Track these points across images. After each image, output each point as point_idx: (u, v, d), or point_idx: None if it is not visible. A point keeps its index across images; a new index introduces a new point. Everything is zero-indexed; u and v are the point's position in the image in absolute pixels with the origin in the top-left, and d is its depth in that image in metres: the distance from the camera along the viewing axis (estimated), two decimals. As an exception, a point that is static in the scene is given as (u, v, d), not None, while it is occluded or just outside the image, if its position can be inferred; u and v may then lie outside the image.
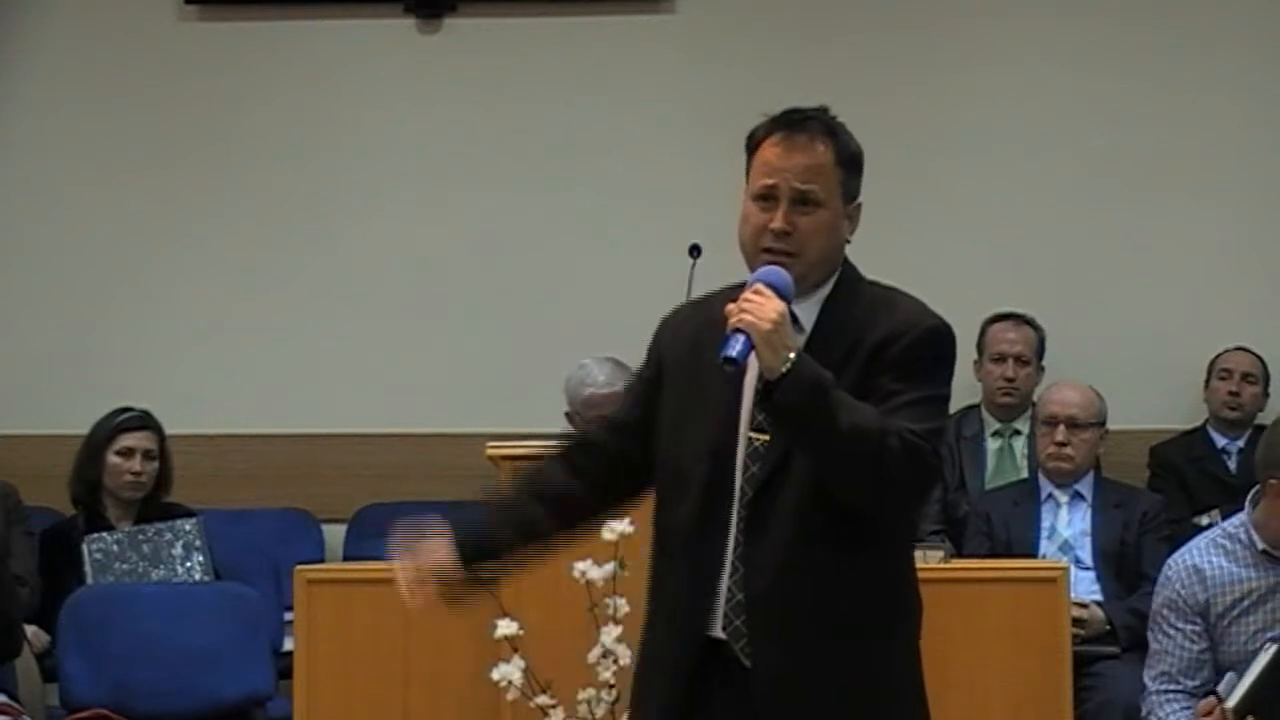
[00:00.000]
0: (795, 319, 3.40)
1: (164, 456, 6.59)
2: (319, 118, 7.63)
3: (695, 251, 6.02)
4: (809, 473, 3.29)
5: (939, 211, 7.42)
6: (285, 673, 5.50)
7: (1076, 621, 5.73)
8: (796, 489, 3.31)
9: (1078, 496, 6.49)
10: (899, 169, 7.44)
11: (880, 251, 7.71)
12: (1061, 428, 6.45)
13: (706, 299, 3.52)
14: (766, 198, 3.48)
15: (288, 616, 5.61)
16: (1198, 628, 5.08)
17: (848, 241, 3.55)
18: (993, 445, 7.07)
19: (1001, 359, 7.06)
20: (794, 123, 3.51)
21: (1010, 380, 7.04)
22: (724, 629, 3.34)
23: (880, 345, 3.36)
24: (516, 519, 3.52)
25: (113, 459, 6.50)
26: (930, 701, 4.78)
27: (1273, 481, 5.05)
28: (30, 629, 6.11)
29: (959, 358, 7.50)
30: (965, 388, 7.17)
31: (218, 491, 7.13)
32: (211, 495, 7.00)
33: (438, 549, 3.46)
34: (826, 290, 3.48)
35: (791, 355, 3.22)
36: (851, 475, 3.27)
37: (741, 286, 3.41)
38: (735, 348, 3.23)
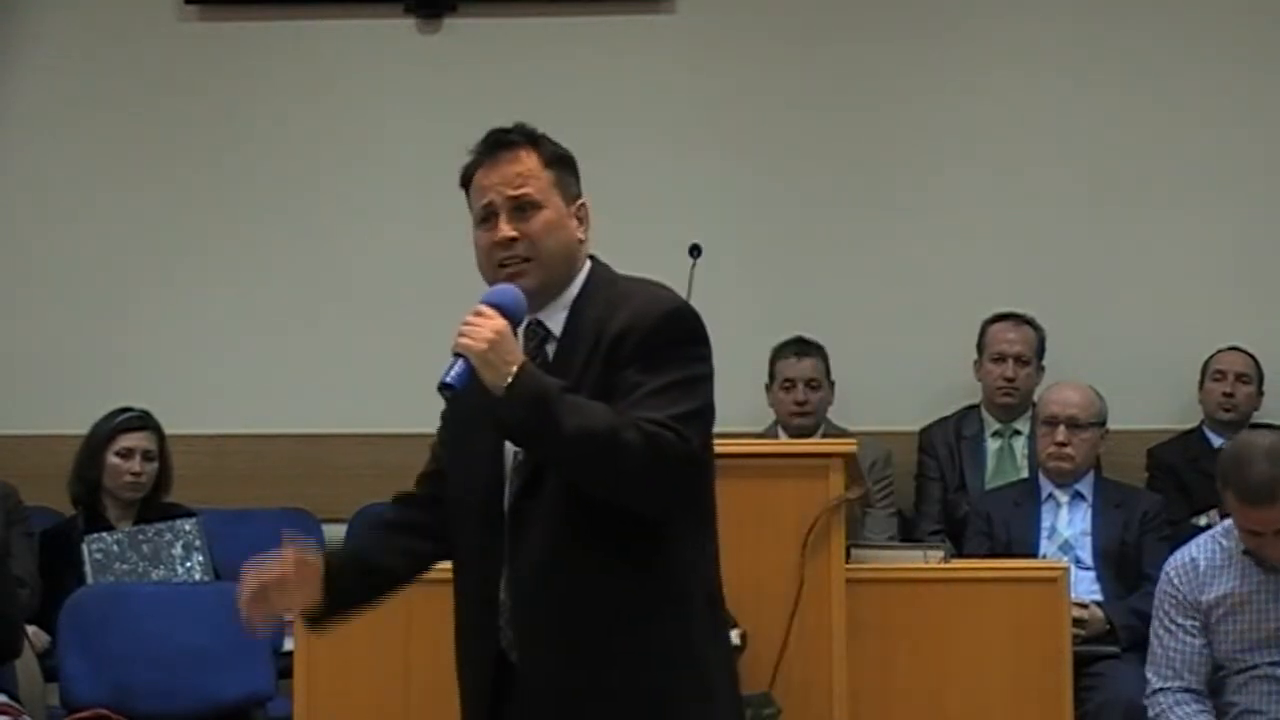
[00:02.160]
0: (546, 329, 3.44)
1: (164, 457, 6.59)
2: (319, 118, 7.63)
3: (695, 251, 6.02)
4: (562, 479, 3.31)
5: (939, 213, 7.43)
6: (285, 672, 5.50)
7: (1077, 621, 5.73)
8: (552, 497, 3.32)
9: (1078, 496, 6.49)
10: (899, 170, 7.46)
11: (882, 252, 7.77)
12: (1062, 428, 6.45)
13: None
14: (487, 218, 3.48)
15: (287, 616, 5.59)
16: (1196, 623, 5.07)
17: (582, 241, 3.54)
18: (993, 445, 7.07)
19: (1001, 359, 7.06)
20: (494, 142, 3.51)
21: (1010, 380, 7.04)
22: (501, 639, 3.37)
23: (616, 340, 3.35)
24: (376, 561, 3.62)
25: (112, 459, 6.50)
26: (930, 700, 4.82)
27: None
28: (30, 629, 6.10)
29: (959, 355, 7.53)
30: (965, 387, 7.18)
31: (217, 491, 7.12)
32: (211, 495, 7.00)
33: (310, 567, 3.50)
34: (573, 293, 3.48)
35: (513, 371, 3.24)
36: (590, 475, 3.27)
37: None
38: (450, 373, 3.27)
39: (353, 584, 3.58)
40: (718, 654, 3.44)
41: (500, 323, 3.30)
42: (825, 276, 7.44)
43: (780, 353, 7.12)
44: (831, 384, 7.14)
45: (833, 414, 7.18)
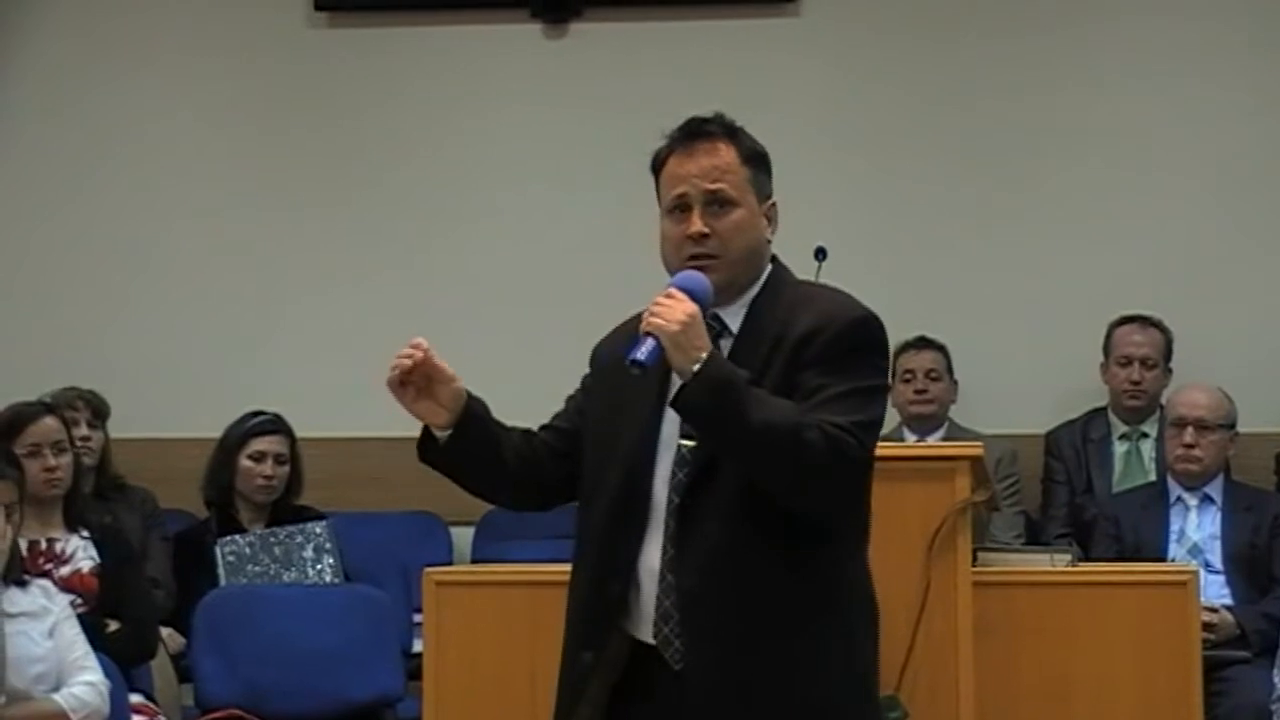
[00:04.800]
0: (723, 324, 3.42)
1: (295, 460, 6.65)
2: (446, 123, 7.69)
3: (821, 254, 6.00)
4: (737, 476, 3.28)
5: (1066, 213, 7.39)
6: (414, 674, 5.54)
7: (1206, 626, 5.69)
8: (723, 493, 3.29)
9: (1207, 499, 6.44)
10: (1027, 170, 7.42)
11: (1008, 254, 7.71)
12: (1189, 429, 6.40)
13: (637, 316, 3.43)
14: (680, 209, 3.45)
15: (416, 618, 5.65)
16: None
17: (769, 241, 3.52)
18: (1120, 448, 7.03)
19: (1128, 362, 7.02)
20: (692, 131, 3.50)
21: (1137, 383, 7.00)
22: (654, 636, 3.33)
23: (802, 341, 3.34)
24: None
25: (245, 463, 6.57)
26: (1057, 704, 4.80)
27: None
28: (165, 631, 6.20)
29: (1085, 358, 7.45)
30: (1092, 390, 7.13)
31: (347, 494, 7.18)
32: (340, 498, 7.06)
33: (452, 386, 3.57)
34: (754, 292, 3.47)
35: (702, 356, 3.23)
36: (770, 471, 3.25)
37: None
38: (642, 350, 3.25)
39: (475, 436, 3.56)
40: (873, 658, 3.44)
41: (692, 306, 3.28)
42: (951, 278, 7.42)
43: (902, 348, 7.12)
44: (954, 381, 7.14)
45: (959, 416, 7.16)
